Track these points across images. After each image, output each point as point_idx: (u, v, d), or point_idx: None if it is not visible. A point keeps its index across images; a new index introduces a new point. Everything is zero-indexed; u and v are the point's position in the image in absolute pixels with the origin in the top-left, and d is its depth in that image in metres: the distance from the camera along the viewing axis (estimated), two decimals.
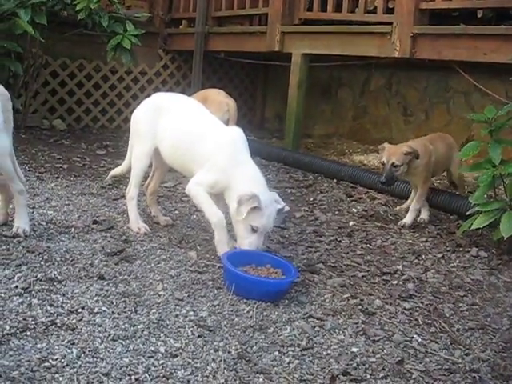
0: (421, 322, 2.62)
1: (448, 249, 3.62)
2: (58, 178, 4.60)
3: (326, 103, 7.72)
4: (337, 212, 4.38)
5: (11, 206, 3.28)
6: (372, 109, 7.18)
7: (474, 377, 2.22)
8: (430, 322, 2.63)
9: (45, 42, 5.86)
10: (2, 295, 2.46)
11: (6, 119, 3.08)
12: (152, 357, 2.13)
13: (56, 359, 2.05)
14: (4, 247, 2.96)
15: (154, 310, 2.48)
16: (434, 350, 2.39)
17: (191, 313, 2.49)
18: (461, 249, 3.63)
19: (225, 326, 2.42)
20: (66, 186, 4.36)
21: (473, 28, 4.70)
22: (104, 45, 5.82)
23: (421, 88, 6.68)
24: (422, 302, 2.81)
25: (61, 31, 6.10)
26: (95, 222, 3.50)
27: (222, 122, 4.54)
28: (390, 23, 5.18)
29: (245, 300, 2.65)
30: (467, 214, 3.69)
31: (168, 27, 7.68)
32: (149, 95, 7.39)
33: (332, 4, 5.78)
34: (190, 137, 3.20)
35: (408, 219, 4.08)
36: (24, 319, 2.29)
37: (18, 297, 2.46)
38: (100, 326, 2.31)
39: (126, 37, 5.67)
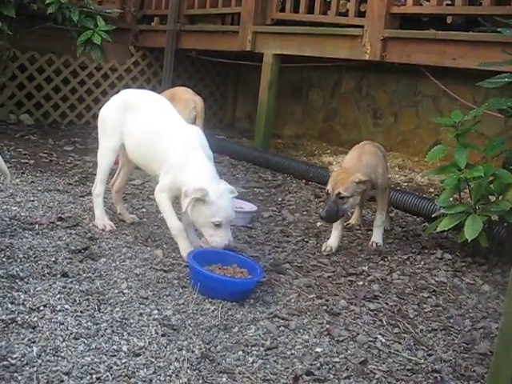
0: (385, 323, 2.64)
1: (413, 251, 3.66)
2: (23, 173, 4.52)
3: (296, 104, 7.74)
4: (305, 212, 4.40)
5: None
6: (342, 111, 7.23)
7: (436, 377, 2.25)
8: (394, 322, 2.65)
9: (13, 35, 5.76)
10: None
11: None
12: (114, 356, 2.11)
13: (15, 358, 2.01)
14: None
15: (118, 309, 2.45)
16: (398, 351, 2.41)
17: (155, 311, 2.47)
18: (426, 251, 3.66)
19: (189, 325, 2.40)
20: (32, 181, 4.29)
21: (442, 33, 4.76)
22: (74, 39, 5.73)
23: (390, 91, 6.75)
24: (386, 303, 2.84)
25: (30, 24, 5.99)
26: (60, 219, 3.44)
27: (187, 121, 4.55)
28: (361, 26, 5.21)
29: (210, 299, 2.64)
30: (433, 216, 3.74)
31: (139, 24, 7.60)
32: (119, 92, 7.36)
33: (304, 5, 5.80)
34: (152, 135, 3.18)
35: (378, 238, 3.69)
36: None
37: None
38: (62, 324, 2.28)
39: (97, 32, 5.59)
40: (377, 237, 3.71)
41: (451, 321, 2.73)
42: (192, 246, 3.01)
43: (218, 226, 2.86)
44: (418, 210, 4.43)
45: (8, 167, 4.57)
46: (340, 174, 3.38)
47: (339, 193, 3.30)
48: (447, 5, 5.18)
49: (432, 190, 5.30)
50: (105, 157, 3.38)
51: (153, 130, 3.19)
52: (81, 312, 2.38)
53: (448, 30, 4.95)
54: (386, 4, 5.04)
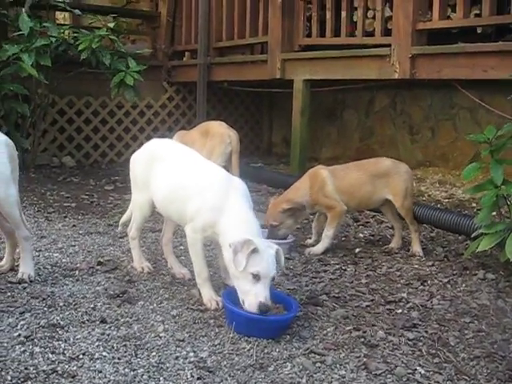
0: (424, 353, 2.58)
1: (454, 272, 3.58)
2: (65, 217, 4.65)
3: (331, 126, 7.73)
4: (343, 238, 4.37)
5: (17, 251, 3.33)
6: (378, 129, 7.18)
7: None
8: (434, 352, 2.59)
9: (50, 82, 5.98)
10: (5, 344, 2.47)
11: (13, 169, 3.13)
12: None
13: None
14: (9, 294, 3.00)
15: (154, 353, 2.47)
16: (438, 382, 2.35)
17: (191, 354, 2.48)
18: (468, 272, 3.58)
19: (225, 366, 2.40)
20: (73, 225, 4.41)
21: (471, 46, 4.70)
22: (109, 81, 5.91)
23: (425, 106, 6.67)
24: (426, 331, 2.77)
25: (66, 70, 6.20)
26: (99, 263, 3.52)
27: (222, 155, 4.55)
28: (389, 45, 5.19)
29: (246, 338, 2.63)
30: (472, 236, 3.65)
31: (171, 60, 7.78)
32: (155, 128, 7.53)
33: (330, 29, 5.82)
34: (181, 185, 3.07)
35: (317, 248, 3.96)
36: (26, 368, 2.30)
37: (20, 345, 2.47)
38: (100, 371, 2.31)
39: (129, 73, 5.76)
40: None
41: (495, 347, 2.65)
42: (216, 296, 2.97)
43: (255, 278, 2.66)
44: (459, 228, 4.35)
45: (51, 212, 4.77)
46: (270, 207, 4.02)
47: (271, 224, 3.92)
48: (476, 15, 5.11)
49: (474, 204, 5.19)
50: (139, 210, 3.37)
51: (182, 180, 3.09)
52: (118, 359, 2.42)
53: (478, 40, 4.88)
54: (412, 21, 5.01)
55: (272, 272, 2.70)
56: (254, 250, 2.67)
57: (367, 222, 4.79)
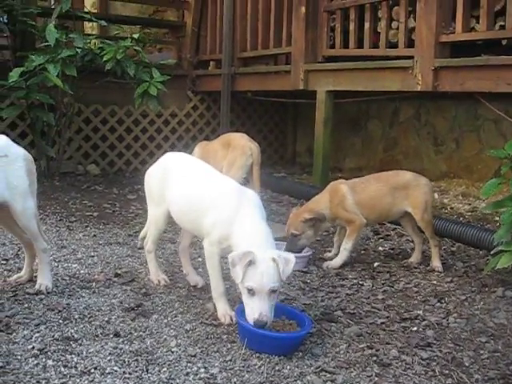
0: (438, 373, 2.54)
1: (473, 289, 3.53)
2: (87, 226, 4.70)
3: (355, 136, 7.69)
4: (363, 252, 4.34)
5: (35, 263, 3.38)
6: (402, 140, 7.13)
7: None
8: (447, 372, 2.55)
9: (76, 91, 6.07)
10: (19, 357, 2.51)
11: (31, 182, 3.18)
12: None
13: None
14: (26, 305, 3.04)
15: (165, 369, 2.48)
16: None
17: (202, 370, 2.48)
18: (486, 289, 3.53)
19: (235, 383, 2.40)
20: (94, 235, 4.46)
21: (495, 59, 4.63)
22: (134, 90, 5.98)
23: (450, 117, 6.60)
24: (440, 351, 2.73)
25: (92, 79, 6.29)
26: (117, 275, 3.55)
27: (243, 167, 4.57)
28: (411, 57, 5.15)
29: (258, 354, 2.62)
30: (491, 253, 3.60)
31: (196, 69, 7.84)
32: (180, 136, 7.59)
33: (354, 40, 5.80)
34: (198, 200, 3.10)
35: (335, 262, 3.96)
36: (37, 382, 2.33)
37: (33, 358, 2.50)
38: None
39: (153, 84, 5.82)
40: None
41: (510, 368, 2.60)
42: (231, 311, 2.97)
43: (250, 292, 2.67)
44: (480, 242, 4.30)
45: (73, 221, 4.83)
46: (292, 216, 4.00)
47: (292, 233, 3.92)
48: (501, 26, 5.04)
49: (497, 218, 5.11)
50: (154, 224, 3.41)
51: (196, 194, 3.12)
52: (129, 374, 2.43)
53: (503, 53, 4.81)
54: (435, 33, 4.96)
55: (268, 286, 2.64)
56: (250, 263, 2.65)
57: (387, 235, 4.75)
